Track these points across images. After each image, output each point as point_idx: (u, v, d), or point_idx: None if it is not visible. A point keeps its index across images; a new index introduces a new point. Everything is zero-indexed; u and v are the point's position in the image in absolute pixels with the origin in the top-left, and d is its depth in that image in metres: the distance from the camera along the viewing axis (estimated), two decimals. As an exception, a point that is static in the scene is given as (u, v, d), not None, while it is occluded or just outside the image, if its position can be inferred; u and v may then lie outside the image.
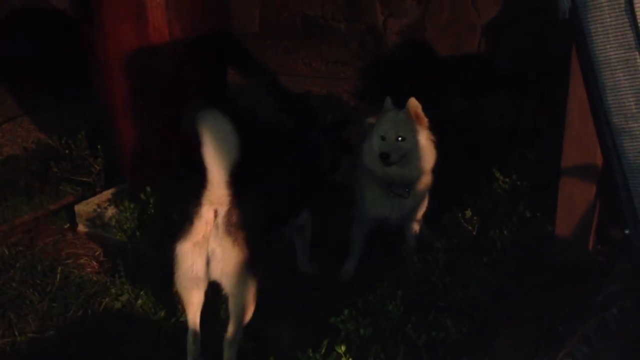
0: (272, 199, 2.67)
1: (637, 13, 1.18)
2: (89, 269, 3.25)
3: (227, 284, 2.44)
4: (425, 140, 2.91)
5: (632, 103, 1.21)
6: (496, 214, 2.69)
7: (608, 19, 1.21)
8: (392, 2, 5.11)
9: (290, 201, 2.93)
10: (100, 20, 3.21)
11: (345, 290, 2.95)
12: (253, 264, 2.43)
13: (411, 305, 2.26)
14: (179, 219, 2.56)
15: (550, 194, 2.44)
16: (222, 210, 2.36)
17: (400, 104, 2.90)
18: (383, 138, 2.88)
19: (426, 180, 3.02)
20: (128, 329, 2.78)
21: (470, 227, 2.64)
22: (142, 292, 2.94)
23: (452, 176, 3.60)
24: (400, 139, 2.86)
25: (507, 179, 2.86)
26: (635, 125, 1.22)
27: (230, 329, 2.50)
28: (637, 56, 1.19)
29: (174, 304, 2.90)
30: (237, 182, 2.34)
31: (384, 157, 2.81)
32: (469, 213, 2.65)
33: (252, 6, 5.99)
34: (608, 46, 1.22)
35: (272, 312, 2.86)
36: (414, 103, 2.88)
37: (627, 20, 1.19)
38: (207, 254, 2.39)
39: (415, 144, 2.88)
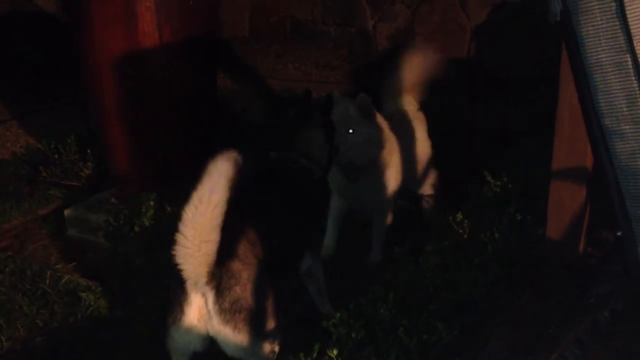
0: (268, 250, 2.33)
1: (628, 16, 1.18)
2: (78, 274, 3.23)
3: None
4: (372, 132, 3.09)
5: (623, 105, 1.21)
6: (487, 216, 2.70)
7: (599, 22, 1.21)
8: (382, 6, 5.12)
9: (288, 247, 2.57)
10: (90, 23, 3.19)
11: (336, 293, 2.95)
12: (262, 337, 2.23)
13: (403, 308, 2.25)
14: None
15: (540, 197, 2.45)
16: (211, 295, 2.09)
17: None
18: None
19: (382, 170, 3.19)
20: (117, 335, 2.76)
21: (461, 230, 2.65)
22: (132, 298, 2.93)
23: (442, 179, 3.62)
24: (351, 131, 3.02)
25: (498, 182, 2.87)
26: (627, 127, 1.22)
27: None
28: (629, 58, 1.20)
29: (164, 310, 2.89)
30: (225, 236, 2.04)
31: (334, 149, 2.92)
32: (459, 216, 2.66)
33: (241, 10, 5.98)
34: (599, 49, 1.22)
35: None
36: (363, 98, 3.06)
37: (618, 23, 1.19)
38: (207, 334, 2.16)
39: (364, 135, 3.05)
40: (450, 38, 4.79)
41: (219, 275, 2.09)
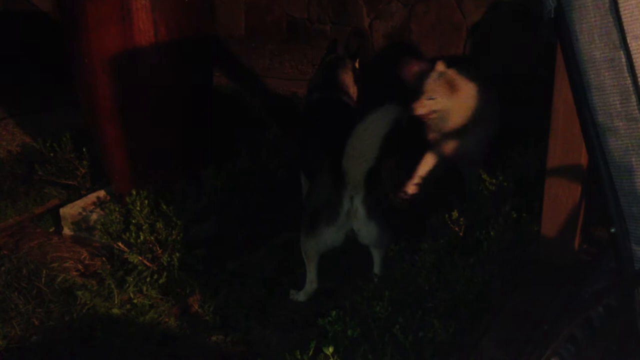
0: None
1: (622, 12, 1.19)
2: (74, 273, 3.23)
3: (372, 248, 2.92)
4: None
5: (617, 102, 1.22)
6: (482, 214, 2.70)
7: (593, 19, 1.21)
8: (378, 4, 5.12)
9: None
10: (85, 22, 3.18)
11: (332, 291, 2.96)
12: (390, 229, 2.88)
13: (398, 306, 2.26)
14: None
15: (536, 194, 2.46)
16: (360, 196, 2.76)
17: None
18: None
19: None
20: (113, 333, 2.76)
21: (456, 228, 2.65)
22: (128, 296, 2.93)
23: (439, 177, 3.62)
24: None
25: (494, 180, 2.87)
26: (621, 123, 1.23)
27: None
28: (622, 55, 1.20)
29: (160, 308, 2.90)
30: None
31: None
32: (455, 214, 2.66)
33: (237, 9, 5.98)
34: (593, 45, 1.22)
35: (259, 314, 2.86)
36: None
37: (611, 19, 1.20)
38: (350, 230, 2.83)
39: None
40: (446, 36, 4.79)
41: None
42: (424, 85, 3.22)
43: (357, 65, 3.58)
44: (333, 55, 3.60)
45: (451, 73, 3.23)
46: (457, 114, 3.24)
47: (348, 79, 3.49)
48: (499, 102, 3.41)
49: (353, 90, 3.50)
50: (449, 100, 3.20)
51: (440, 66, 3.24)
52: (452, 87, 3.20)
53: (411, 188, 3.47)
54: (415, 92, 3.25)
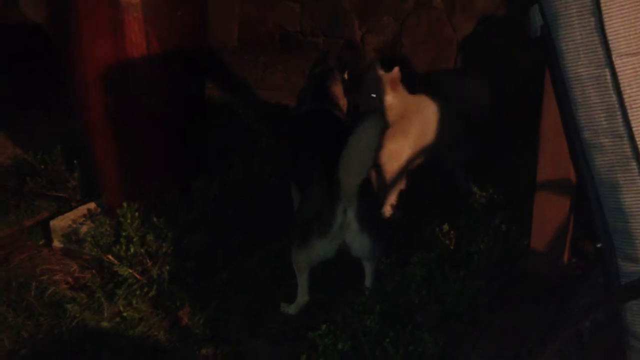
0: None
1: (607, 31, 1.20)
2: (63, 285, 3.21)
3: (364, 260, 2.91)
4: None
5: (602, 118, 1.23)
6: (473, 227, 2.71)
7: (579, 37, 1.23)
8: (370, 18, 5.15)
9: None
10: (77, 33, 3.18)
11: (324, 303, 2.95)
12: (381, 241, 2.88)
13: (389, 319, 2.26)
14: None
15: (525, 208, 2.47)
16: (353, 208, 2.74)
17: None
18: None
19: None
20: (103, 347, 2.75)
21: (447, 241, 2.66)
22: (117, 309, 2.91)
23: (429, 190, 3.64)
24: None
25: (484, 193, 2.89)
26: (606, 140, 1.24)
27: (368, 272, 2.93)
28: (608, 73, 1.22)
29: (150, 321, 2.88)
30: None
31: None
32: (446, 227, 2.67)
33: (230, 21, 5.99)
34: (579, 63, 1.24)
35: (250, 326, 2.86)
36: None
37: (597, 38, 1.21)
38: (342, 242, 2.81)
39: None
40: (437, 50, 4.81)
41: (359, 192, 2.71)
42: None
43: (346, 76, 3.61)
44: (322, 67, 3.63)
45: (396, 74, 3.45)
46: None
47: (338, 91, 3.51)
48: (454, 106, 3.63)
49: (343, 102, 3.53)
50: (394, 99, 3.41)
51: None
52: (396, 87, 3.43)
53: (388, 210, 3.50)
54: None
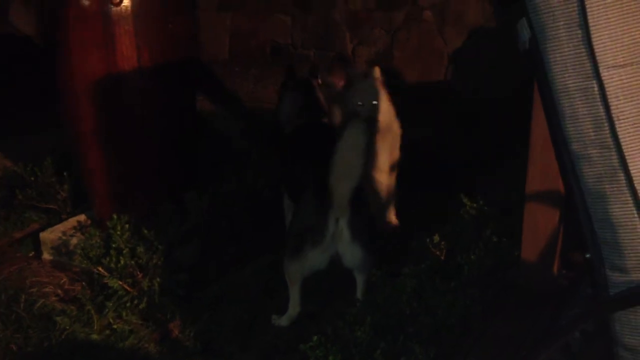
0: None
1: (594, 44, 1.21)
2: (53, 298, 3.19)
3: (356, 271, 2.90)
4: None
5: (590, 130, 1.24)
6: (463, 238, 2.72)
7: (566, 49, 1.24)
8: (361, 30, 5.18)
9: None
10: (68, 46, 3.19)
11: (315, 315, 2.95)
12: (373, 251, 2.88)
13: (380, 331, 2.26)
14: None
15: (516, 219, 2.48)
16: (346, 218, 2.74)
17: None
18: None
19: None
20: (93, 359, 2.73)
21: (438, 252, 2.67)
22: (107, 321, 2.90)
23: (420, 202, 3.65)
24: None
25: (475, 204, 2.90)
26: (594, 151, 1.25)
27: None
28: (595, 85, 1.23)
29: (140, 334, 2.87)
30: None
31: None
32: (436, 238, 2.68)
33: (221, 34, 6.01)
34: (566, 75, 1.25)
35: (241, 338, 2.85)
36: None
37: (584, 50, 1.22)
38: (335, 252, 2.81)
39: None
40: (427, 62, 4.85)
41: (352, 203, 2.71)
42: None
43: (319, 82, 3.59)
44: (296, 79, 3.58)
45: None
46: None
47: (323, 100, 3.51)
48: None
49: (327, 110, 3.52)
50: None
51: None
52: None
53: (394, 219, 3.50)
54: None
